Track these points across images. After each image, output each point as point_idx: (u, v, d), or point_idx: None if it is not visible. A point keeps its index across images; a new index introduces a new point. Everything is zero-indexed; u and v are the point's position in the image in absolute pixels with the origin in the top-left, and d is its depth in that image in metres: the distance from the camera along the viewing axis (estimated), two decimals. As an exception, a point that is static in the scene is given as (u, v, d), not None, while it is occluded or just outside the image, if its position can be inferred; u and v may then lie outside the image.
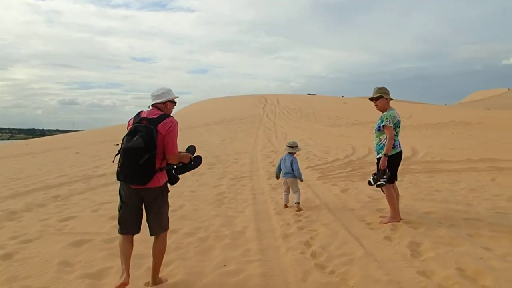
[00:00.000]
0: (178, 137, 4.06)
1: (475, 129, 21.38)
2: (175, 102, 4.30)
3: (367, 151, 14.01)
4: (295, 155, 7.33)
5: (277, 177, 7.51)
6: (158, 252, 4.07)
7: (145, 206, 4.04)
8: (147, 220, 4.06)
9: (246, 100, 59.29)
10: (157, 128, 3.84)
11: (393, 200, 5.79)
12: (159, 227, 4.05)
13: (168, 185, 4.17)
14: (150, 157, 3.74)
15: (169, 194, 4.16)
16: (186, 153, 4.26)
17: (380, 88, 5.84)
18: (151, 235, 4.08)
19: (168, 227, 4.18)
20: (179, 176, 4.29)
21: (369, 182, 5.79)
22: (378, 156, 5.85)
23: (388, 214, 6.18)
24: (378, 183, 5.65)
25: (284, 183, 7.29)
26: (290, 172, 7.12)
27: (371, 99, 5.93)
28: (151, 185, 3.86)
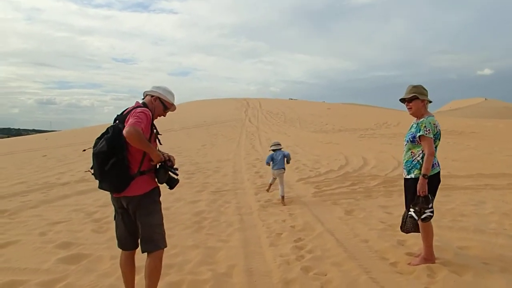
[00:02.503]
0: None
1: (470, 138, 20.38)
2: (167, 108, 3.79)
3: (362, 161, 12.69)
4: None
5: (268, 164, 8.18)
6: (149, 273, 3.48)
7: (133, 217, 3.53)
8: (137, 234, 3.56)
9: (228, 103, 57.74)
10: (125, 124, 3.33)
11: (430, 235, 4.41)
12: (149, 243, 3.51)
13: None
14: (117, 161, 3.30)
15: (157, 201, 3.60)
16: (158, 152, 3.52)
17: (414, 87, 4.47)
18: (142, 251, 3.55)
19: (164, 245, 3.63)
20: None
21: (411, 217, 4.34)
22: (408, 177, 4.47)
23: (416, 250, 4.85)
24: (425, 215, 4.25)
25: (274, 174, 8.06)
26: (281, 166, 7.94)
27: (402, 100, 4.57)
28: (129, 193, 3.41)
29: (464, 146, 17.36)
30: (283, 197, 7.80)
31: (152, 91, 3.74)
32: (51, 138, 33.11)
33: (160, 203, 3.68)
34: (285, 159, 8.00)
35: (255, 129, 29.40)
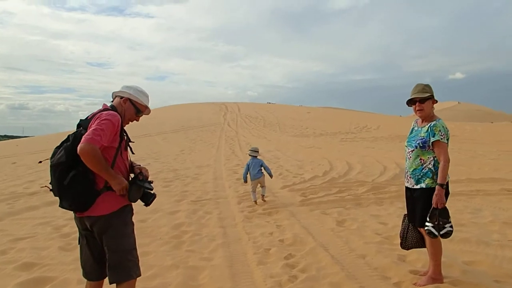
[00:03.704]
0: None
1: (451, 142, 20.17)
2: (140, 111, 3.23)
3: (347, 166, 12.29)
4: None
5: (245, 181, 8.19)
6: None
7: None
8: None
9: (206, 108, 57.01)
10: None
11: (439, 253, 3.95)
12: (118, 271, 2.97)
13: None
14: (77, 174, 2.80)
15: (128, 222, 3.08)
16: (118, 177, 2.94)
17: (427, 86, 4.02)
18: (109, 282, 3.02)
19: (136, 273, 3.08)
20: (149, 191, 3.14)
21: (430, 232, 3.80)
22: (417, 187, 3.99)
23: (419, 266, 4.44)
24: (445, 230, 3.75)
25: (253, 184, 8.03)
26: (259, 173, 8.02)
27: (411, 101, 4.09)
28: (93, 212, 2.90)
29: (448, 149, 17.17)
30: (263, 195, 8.08)
31: (121, 91, 3.19)
32: (22, 144, 31.88)
33: (133, 224, 3.14)
34: (262, 168, 8.12)
35: (234, 133, 28.87)
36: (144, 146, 22.30)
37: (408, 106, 4.15)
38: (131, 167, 3.18)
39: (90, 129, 2.80)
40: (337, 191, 8.77)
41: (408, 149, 4.12)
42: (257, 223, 6.53)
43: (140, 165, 3.23)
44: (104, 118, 2.87)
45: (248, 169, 8.07)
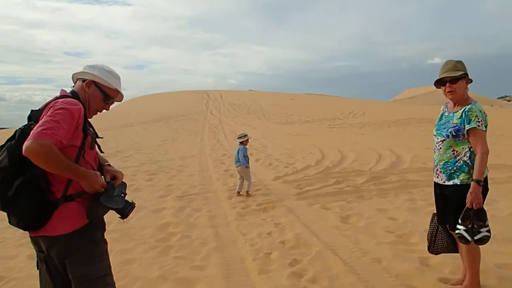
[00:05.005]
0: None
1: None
2: (109, 97, 2.47)
3: (340, 154, 11.67)
4: (247, 144, 7.99)
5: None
6: None
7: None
8: None
9: (187, 96, 55.87)
10: None
11: (477, 260, 3.37)
12: None
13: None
14: (25, 182, 2.09)
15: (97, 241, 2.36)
16: (89, 173, 2.24)
17: (459, 63, 3.37)
18: None
19: None
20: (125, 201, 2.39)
21: (462, 237, 3.19)
22: (450, 183, 3.37)
23: (446, 272, 3.87)
24: (480, 235, 3.15)
25: (238, 171, 7.76)
26: (238, 161, 7.64)
27: (440, 81, 3.45)
28: (49, 231, 2.19)
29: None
30: (247, 191, 7.51)
31: (83, 72, 2.44)
32: (-4, 137, 30.58)
33: (105, 243, 2.42)
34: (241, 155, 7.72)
35: (218, 121, 28.07)
36: (126, 137, 21.44)
37: (437, 87, 3.51)
38: (100, 168, 2.46)
39: (40, 122, 2.08)
40: (334, 182, 8.15)
41: (438, 138, 3.49)
42: (252, 222, 5.87)
43: (112, 167, 2.50)
44: (59, 107, 2.14)
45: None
